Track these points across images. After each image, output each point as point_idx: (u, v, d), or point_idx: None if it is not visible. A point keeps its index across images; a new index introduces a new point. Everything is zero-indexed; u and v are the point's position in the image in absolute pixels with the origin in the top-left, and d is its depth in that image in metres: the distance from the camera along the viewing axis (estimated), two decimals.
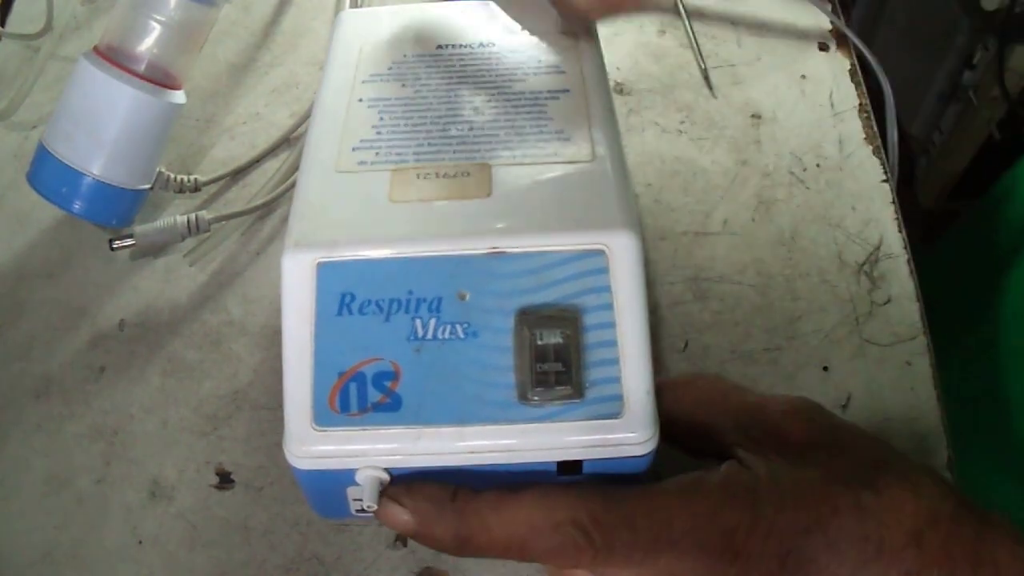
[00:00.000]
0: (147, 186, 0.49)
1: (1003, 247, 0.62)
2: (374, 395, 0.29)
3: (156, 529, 0.44)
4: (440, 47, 0.40)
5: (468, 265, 0.30)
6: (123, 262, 0.51)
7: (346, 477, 0.31)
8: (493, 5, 0.41)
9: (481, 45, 0.39)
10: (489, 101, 0.36)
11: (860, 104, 0.54)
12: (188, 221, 0.49)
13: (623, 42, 0.56)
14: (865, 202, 0.51)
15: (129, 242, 0.48)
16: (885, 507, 0.29)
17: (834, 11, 0.58)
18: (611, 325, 0.29)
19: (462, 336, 0.29)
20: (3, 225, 0.52)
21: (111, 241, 0.48)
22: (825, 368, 0.47)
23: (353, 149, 0.35)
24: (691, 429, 0.32)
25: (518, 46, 0.39)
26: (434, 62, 0.39)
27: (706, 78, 0.55)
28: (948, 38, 0.98)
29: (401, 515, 0.30)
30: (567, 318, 0.29)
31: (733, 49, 0.56)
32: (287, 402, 0.31)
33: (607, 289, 0.29)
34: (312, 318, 0.30)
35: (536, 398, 0.29)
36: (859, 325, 0.48)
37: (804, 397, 0.33)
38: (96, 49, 0.46)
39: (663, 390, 0.33)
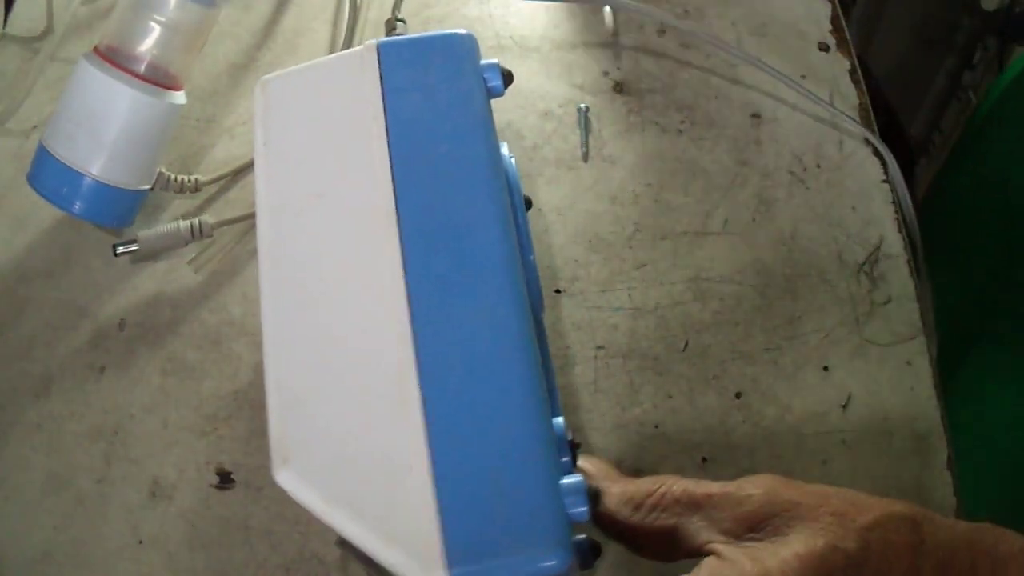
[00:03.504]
0: (147, 186, 0.49)
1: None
2: None
3: (156, 529, 0.44)
4: None
5: None
6: (124, 262, 0.51)
7: None
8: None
9: None
10: None
11: (860, 104, 0.54)
12: (192, 226, 0.49)
13: (623, 42, 0.56)
14: (865, 202, 0.51)
15: (133, 247, 0.48)
16: (874, 556, 0.29)
17: (834, 11, 0.58)
18: None
19: None
20: (3, 225, 0.52)
21: (115, 247, 0.48)
22: (825, 368, 0.47)
23: None
24: (657, 536, 0.32)
25: None
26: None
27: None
28: (948, 38, 0.98)
29: None
30: None
31: (733, 50, 0.56)
32: None
33: None
34: None
35: None
36: (859, 325, 0.48)
37: (761, 475, 0.32)
38: (96, 50, 0.46)
39: (620, 501, 0.33)
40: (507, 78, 0.39)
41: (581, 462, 0.35)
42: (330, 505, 0.30)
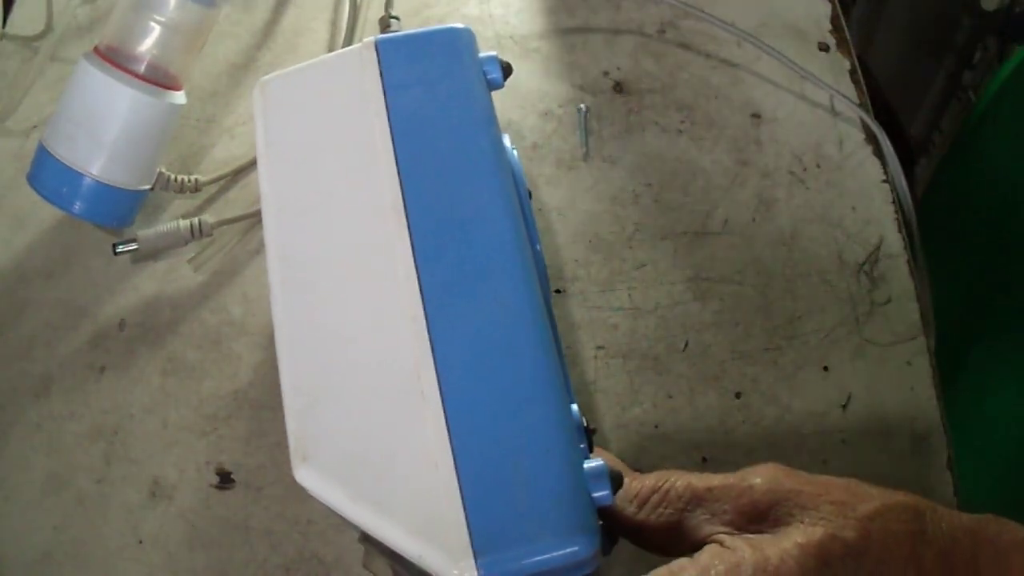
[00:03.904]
0: (147, 187, 0.49)
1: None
2: None
3: (156, 529, 0.44)
4: None
5: None
6: (124, 262, 0.51)
7: None
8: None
9: None
10: None
11: (860, 104, 0.54)
12: (191, 226, 0.49)
13: (623, 42, 0.56)
14: (865, 202, 0.51)
15: (132, 247, 0.48)
16: (873, 545, 0.29)
17: (834, 12, 0.58)
18: None
19: None
20: (3, 225, 0.52)
21: (115, 246, 0.48)
22: (825, 368, 0.47)
23: None
24: (661, 531, 0.32)
25: None
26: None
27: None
28: (948, 38, 0.98)
29: None
30: None
31: (733, 49, 0.56)
32: None
33: None
34: None
35: None
36: (859, 325, 0.48)
37: (764, 464, 0.32)
38: (96, 50, 0.46)
39: (624, 498, 0.33)
40: (506, 70, 0.39)
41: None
42: (352, 501, 0.30)
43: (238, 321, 0.49)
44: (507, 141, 0.38)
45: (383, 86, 0.37)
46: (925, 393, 0.46)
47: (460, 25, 0.38)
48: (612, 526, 0.33)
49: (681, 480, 0.32)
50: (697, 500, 0.32)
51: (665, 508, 0.32)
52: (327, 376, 0.32)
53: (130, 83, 0.45)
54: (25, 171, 0.47)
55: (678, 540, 0.32)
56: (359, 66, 0.37)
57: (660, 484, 0.33)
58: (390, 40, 0.38)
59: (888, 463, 0.45)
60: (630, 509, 0.33)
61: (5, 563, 0.44)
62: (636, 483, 0.33)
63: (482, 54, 0.38)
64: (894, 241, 0.50)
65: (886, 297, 0.49)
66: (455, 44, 0.38)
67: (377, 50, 0.38)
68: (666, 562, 0.30)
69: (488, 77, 0.38)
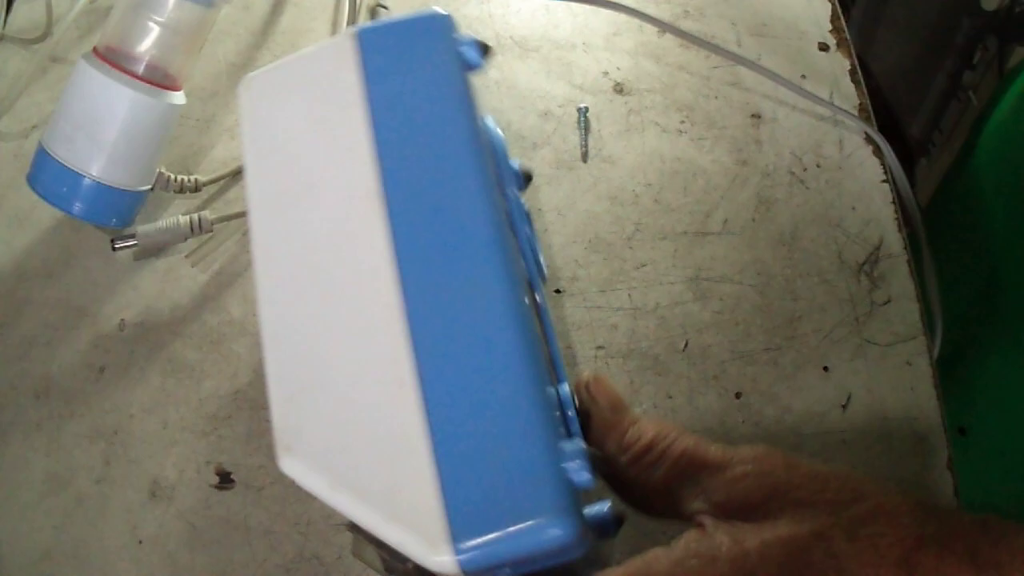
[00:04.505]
0: (147, 187, 0.49)
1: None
2: None
3: (156, 529, 0.44)
4: None
5: None
6: (123, 262, 0.51)
7: None
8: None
9: None
10: None
11: (860, 104, 0.54)
12: (191, 221, 0.49)
13: (623, 42, 0.56)
14: (865, 202, 0.51)
15: (131, 242, 0.48)
16: (862, 548, 0.28)
17: (834, 12, 0.58)
18: None
19: None
20: (3, 225, 0.52)
21: (113, 241, 0.48)
22: (825, 368, 0.47)
23: None
24: (649, 492, 0.32)
25: None
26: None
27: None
28: (948, 38, 0.98)
29: None
30: None
31: (733, 49, 0.56)
32: None
33: None
34: None
35: None
36: (859, 325, 0.48)
37: (765, 447, 0.32)
38: (95, 51, 0.46)
39: (619, 448, 0.32)
40: (483, 49, 0.38)
41: (592, 385, 0.34)
42: (334, 489, 0.30)
43: (238, 321, 0.49)
44: (491, 122, 0.38)
45: (364, 75, 0.36)
46: (925, 393, 0.46)
47: (440, 10, 0.38)
48: (619, 513, 0.32)
49: (679, 444, 0.32)
50: (692, 470, 0.31)
51: (656, 469, 0.32)
52: (309, 366, 0.32)
53: (129, 84, 0.45)
54: (25, 171, 0.47)
55: (662, 506, 0.31)
56: (340, 56, 0.37)
57: (657, 443, 0.32)
58: (370, 29, 0.38)
59: (888, 463, 0.45)
60: (621, 460, 0.32)
61: (5, 563, 0.44)
62: (633, 432, 0.33)
63: (460, 36, 0.38)
64: (894, 241, 0.50)
65: (886, 297, 0.49)
66: (431, 29, 0.37)
67: (358, 40, 0.37)
68: (642, 552, 0.30)
69: (465, 59, 0.37)
